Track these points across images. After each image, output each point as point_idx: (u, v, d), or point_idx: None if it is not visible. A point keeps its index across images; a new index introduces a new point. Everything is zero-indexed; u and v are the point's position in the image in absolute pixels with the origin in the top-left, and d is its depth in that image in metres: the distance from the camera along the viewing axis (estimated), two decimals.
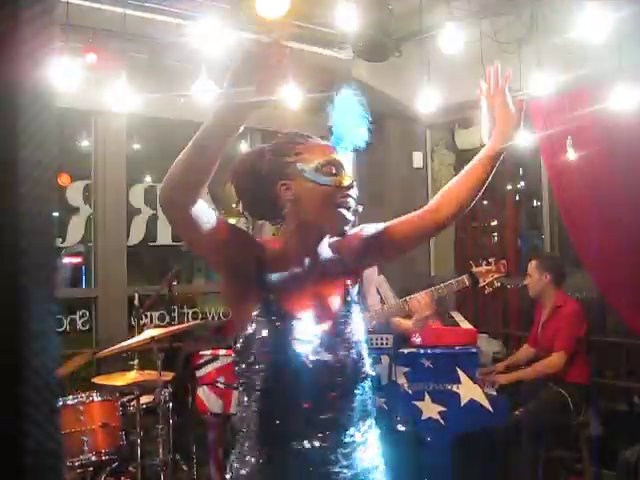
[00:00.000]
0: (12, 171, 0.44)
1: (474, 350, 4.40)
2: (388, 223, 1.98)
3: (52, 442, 0.48)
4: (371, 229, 1.98)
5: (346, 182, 1.80)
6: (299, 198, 1.80)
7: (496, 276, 4.32)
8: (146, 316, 5.37)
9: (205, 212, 1.64)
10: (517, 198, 6.82)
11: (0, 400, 0.45)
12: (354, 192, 1.82)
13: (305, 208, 1.81)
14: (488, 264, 4.36)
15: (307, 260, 1.87)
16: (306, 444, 1.74)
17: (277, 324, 1.76)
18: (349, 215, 1.80)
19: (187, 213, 1.59)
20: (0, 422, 0.45)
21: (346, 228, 1.83)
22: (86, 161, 5.63)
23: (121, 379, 4.24)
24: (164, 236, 5.99)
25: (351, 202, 1.81)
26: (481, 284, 4.30)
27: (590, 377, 4.79)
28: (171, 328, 4.53)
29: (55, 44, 0.50)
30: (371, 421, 1.88)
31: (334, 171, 1.80)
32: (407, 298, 4.04)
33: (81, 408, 4.08)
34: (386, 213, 4.60)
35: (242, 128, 1.54)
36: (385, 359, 4.23)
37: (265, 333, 1.74)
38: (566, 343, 4.65)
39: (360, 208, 1.87)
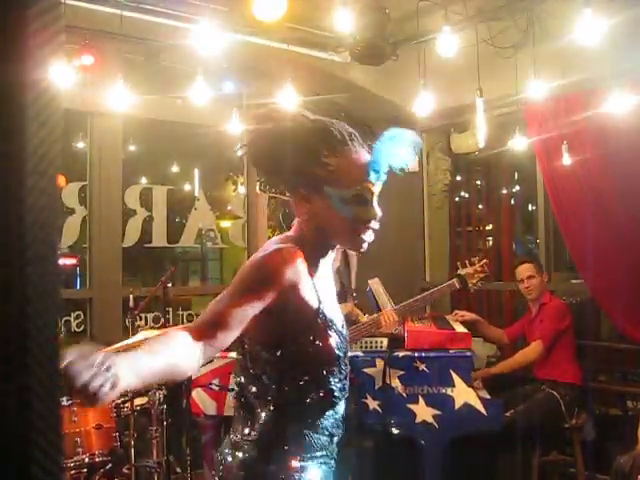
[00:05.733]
0: (18, 164, 0.45)
1: (468, 354, 4.40)
2: None
3: (53, 435, 0.49)
4: None
5: (370, 216, 1.73)
6: (316, 215, 1.74)
7: (482, 276, 4.58)
8: (141, 318, 5.36)
9: (237, 319, 1.57)
10: (512, 202, 6.84)
11: (4, 390, 0.46)
12: (375, 224, 1.76)
13: (321, 226, 1.75)
14: (472, 265, 4.61)
15: (326, 265, 1.85)
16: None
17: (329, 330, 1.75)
18: (366, 243, 1.76)
19: (213, 350, 1.56)
20: (4, 411, 0.46)
21: (362, 248, 1.78)
22: (82, 162, 5.62)
23: None
24: (159, 238, 5.99)
25: (370, 233, 1.75)
26: (470, 285, 4.55)
27: (582, 377, 4.81)
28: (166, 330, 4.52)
29: (61, 40, 0.50)
30: None
31: (360, 202, 1.72)
32: (380, 313, 4.19)
33: (75, 409, 4.08)
34: (382, 216, 4.63)
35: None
36: (379, 362, 4.23)
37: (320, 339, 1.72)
38: (544, 334, 4.81)
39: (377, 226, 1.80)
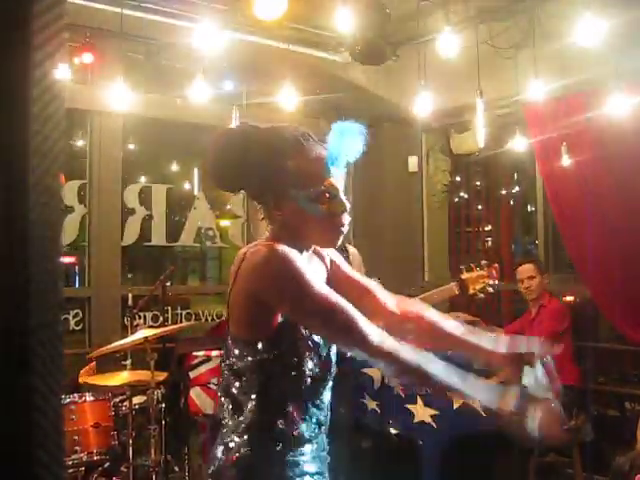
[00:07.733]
0: (22, 160, 0.45)
1: None
2: (351, 273, 2.04)
3: (56, 434, 0.49)
4: (337, 259, 2.02)
5: (339, 209, 1.77)
6: (289, 220, 1.77)
7: (489, 282, 4.15)
8: (139, 316, 5.36)
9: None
10: (511, 203, 6.84)
11: (7, 389, 0.45)
12: (346, 216, 1.80)
13: (295, 228, 1.79)
14: (481, 268, 4.18)
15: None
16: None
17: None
18: (340, 236, 1.81)
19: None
20: (8, 410, 0.45)
21: (338, 243, 1.84)
22: (81, 161, 5.62)
23: (114, 379, 4.23)
24: (158, 236, 5.99)
25: (342, 226, 1.79)
26: (471, 292, 4.14)
27: (580, 379, 4.81)
28: (165, 329, 4.53)
29: (64, 37, 0.50)
30: None
31: (328, 197, 1.76)
32: None
33: (73, 408, 4.08)
34: (381, 217, 4.63)
35: None
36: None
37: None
38: (541, 336, 4.71)
39: (348, 219, 1.84)
